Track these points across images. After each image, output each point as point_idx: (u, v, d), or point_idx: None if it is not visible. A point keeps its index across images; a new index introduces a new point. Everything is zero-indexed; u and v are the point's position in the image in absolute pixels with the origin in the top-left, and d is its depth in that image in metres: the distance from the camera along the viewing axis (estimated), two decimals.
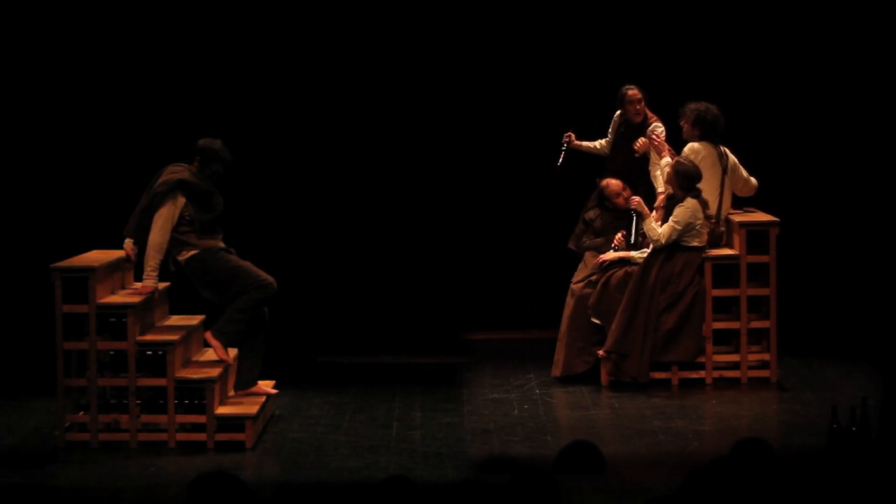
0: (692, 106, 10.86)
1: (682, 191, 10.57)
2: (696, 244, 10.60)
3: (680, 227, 10.52)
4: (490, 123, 12.45)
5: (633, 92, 11.17)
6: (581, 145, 11.49)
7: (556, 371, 10.83)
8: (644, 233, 10.67)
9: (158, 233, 9.34)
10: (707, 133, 10.80)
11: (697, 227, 10.56)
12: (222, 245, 9.58)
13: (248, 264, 9.55)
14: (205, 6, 12.13)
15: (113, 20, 12.04)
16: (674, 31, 12.29)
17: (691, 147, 10.79)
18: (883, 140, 12.14)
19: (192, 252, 9.42)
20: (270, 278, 9.51)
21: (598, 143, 11.54)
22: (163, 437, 9.25)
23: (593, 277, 10.81)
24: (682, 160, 10.64)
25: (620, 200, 11.09)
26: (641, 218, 10.68)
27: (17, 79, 11.99)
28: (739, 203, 11.14)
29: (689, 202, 10.54)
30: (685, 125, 10.87)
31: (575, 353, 10.76)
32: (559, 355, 10.82)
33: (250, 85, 12.19)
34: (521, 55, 12.41)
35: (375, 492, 6.61)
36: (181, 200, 9.37)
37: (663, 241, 10.53)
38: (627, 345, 10.49)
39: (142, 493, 8.37)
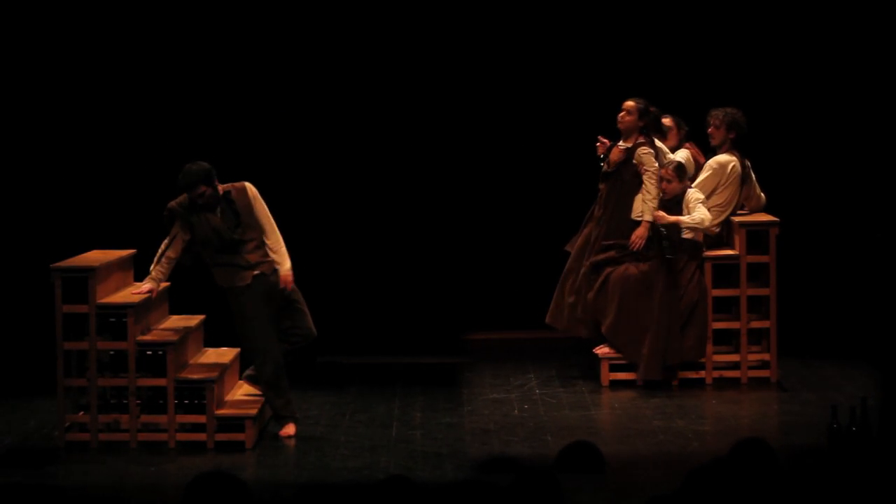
0: (722, 112, 10.83)
1: (682, 183, 10.59)
2: (689, 235, 10.57)
3: (707, 203, 10.53)
4: (490, 125, 12.44)
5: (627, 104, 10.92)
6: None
7: (548, 318, 10.89)
8: (675, 241, 10.55)
9: (162, 246, 9.38)
10: (738, 137, 10.79)
11: None
12: (248, 280, 9.36)
13: (259, 326, 9.40)
14: (208, 8, 12.12)
15: (114, 21, 12.03)
16: (675, 32, 12.28)
17: (719, 160, 10.77)
18: (883, 140, 12.14)
19: (222, 286, 9.42)
20: (273, 352, 9.41)
21: None
22: (163, 437, 9.24)
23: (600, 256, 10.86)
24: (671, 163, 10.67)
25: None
26: (670, 227, 10.55)
27: (18, 79, 11.99)
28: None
29: (693, 189, 10.57)
30: (717, 131, 10.84)
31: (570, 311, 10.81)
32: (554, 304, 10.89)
33: (251, 86, 12.18)
34: (522, 58, 12.40)
35: (375, 492, 6.61)
36: (177, 225, 9.32)
37: (708, 221, 10.50)
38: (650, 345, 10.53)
39: (142, 493, 8.37)
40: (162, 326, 9.71)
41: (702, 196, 10.56)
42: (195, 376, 9.27)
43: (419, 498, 6.55)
